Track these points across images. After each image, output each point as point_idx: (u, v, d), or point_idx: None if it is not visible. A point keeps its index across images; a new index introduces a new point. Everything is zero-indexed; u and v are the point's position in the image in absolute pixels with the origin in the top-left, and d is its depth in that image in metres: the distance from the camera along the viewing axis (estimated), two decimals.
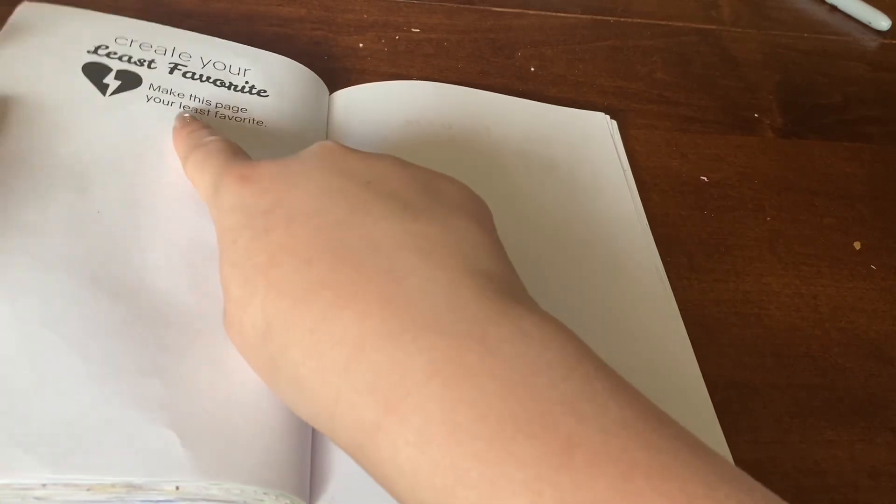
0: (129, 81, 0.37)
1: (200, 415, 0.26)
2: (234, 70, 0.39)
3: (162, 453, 0.25)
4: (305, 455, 0.28)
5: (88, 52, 0.37)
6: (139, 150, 0.34)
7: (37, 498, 0.24)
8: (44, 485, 0.24)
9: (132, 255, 0.30)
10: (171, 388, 0.26)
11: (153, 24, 0.40)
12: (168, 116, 0.36)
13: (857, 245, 0.42)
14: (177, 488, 0.24)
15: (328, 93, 0.43)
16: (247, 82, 0.39)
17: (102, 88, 0.36)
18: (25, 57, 0.36)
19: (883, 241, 0.43)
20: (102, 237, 0.30)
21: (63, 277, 0.28)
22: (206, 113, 0.37)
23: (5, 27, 0.37)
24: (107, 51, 0.38)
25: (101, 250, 0.30)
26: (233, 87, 0.38)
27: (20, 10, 0.38)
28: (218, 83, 0.38)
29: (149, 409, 0.26)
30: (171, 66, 0.38)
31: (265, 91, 0.39)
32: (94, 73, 0.36)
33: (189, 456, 0.25)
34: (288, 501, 0.26)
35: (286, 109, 0.39)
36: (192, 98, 0.37)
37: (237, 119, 0.37)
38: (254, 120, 0.37)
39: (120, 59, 0.37)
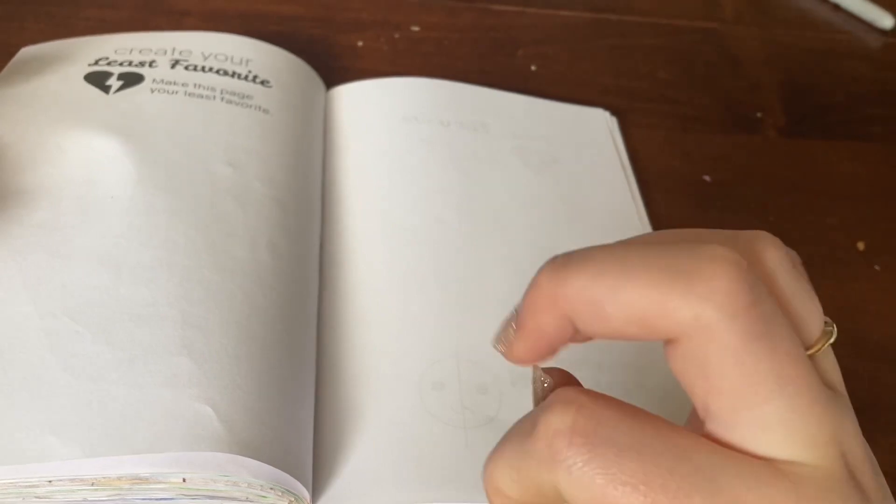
0: (132, 80, 0.37)
1: (233, 389, 0.26)
2: (237, 60, 0.39)
3: (199, 428, 0.25)
4: (309, 452, 0.28)
5: (89, 64, 0.38)
6: (148, 134, 0.34)
7: (37, 497, 0.24)
8: (50, 481, 0.24)
9: (150, 237, 0.30)
10: (201, 364, 0.26)
11: (150, 33, 0.41)
12: (174, 103, 0.36)
13: (860, 245, 0.42)
14: (184, 480, 0.24)
15: (324, 88, 0.43)
16: (249, 71, 0.39)
17: (105, 89, 0.36)
18: (27, 82, 0.36)
19: (886, 242, 0.42)
20: (118, 222, 0.30)
21: (82, 266, 0.28)
22: (212, 98, 0.36)
23: (5, 70, 0.38)
24: (107, 61, 0.38)
25: (118, 235, 0.30)
26: (237, 75, 0.38)
27: (20, 55, 0.39)
28: (221, 72, 0.38)
29: (180, 386, 0.26)
30: (173, 62, 0.38)
31: (269, 82, 0.39)
32: (96, 79, 0.37)
33: (226, 430, 0.25)
34: (292, 498, 0.26)
35: (289, 101, 0.39)
36: (197, 86, 0.37)
37: (245, 105, 0.37)
38: (260, 107, 0.37)
39: (120, 64, 0.38)
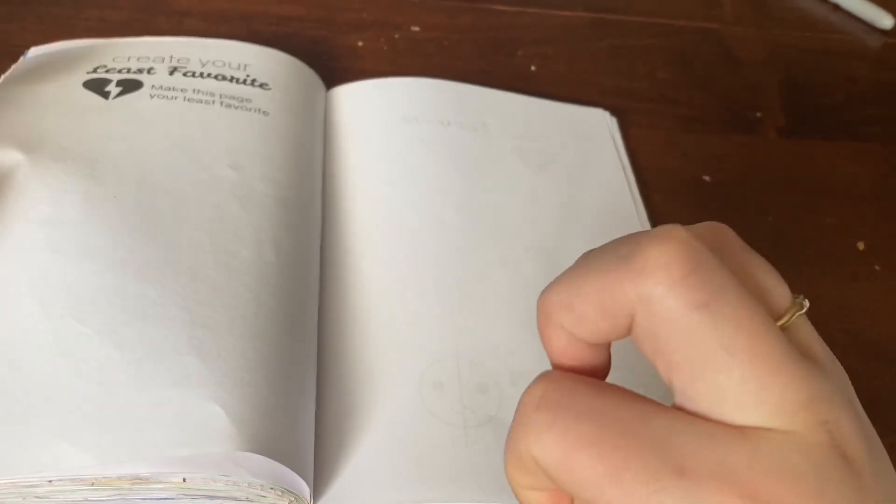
0: (131, 86, 0.37)
1: (241, 387, 0.26)
2: (234, 65, 0.39)
3: (210, 428, 0.25)
4: (311, 450, 0.28)
5: (88, 72, 0.38)
6: (149, 137, 0.34)
7: (38, 497, 0.24)
8: (50, 481, 0.24)
9: (155, 237, 0.30)
10: (210, 364, 0.26)
11: (147, 41, 0.41)
12: (173, 108, 0.36)
13: (860, 245, 0.42)
14: (184, 480, 0.24)
15: (324, 88, 0.43)
16: (248, 75, 0.39)
17: (105, 95, 0.36)
18: (27, 88, 0.36)
19: (886, 242, 0.43)
20: (122, 222, 0.30)
21: (87, 266, 0.28)
22: (211, 103, 0.37)
23: (8, 72, 0.38)
24: (105, 69, 0.38)
25: (123, 234, 0.30)
26: (235, 80, 0.39)
27: (25, 57, 0.39)
28: (219, 78, 0.38)
29: (190, 386, 0.26)
30: (171, 68, 0.38)
31: (267, 84, 0.39)
32: (95, 85, 0.37)
33: (237, 428, 0.25)
34: (292, 498, 0.26)
35: (288, 102, 0.39)
36: (196, 91, 0.37)
37: (244, 108, 0.37)
38: (260, 110, 0.37)
39: (119, 72, 0.38)
